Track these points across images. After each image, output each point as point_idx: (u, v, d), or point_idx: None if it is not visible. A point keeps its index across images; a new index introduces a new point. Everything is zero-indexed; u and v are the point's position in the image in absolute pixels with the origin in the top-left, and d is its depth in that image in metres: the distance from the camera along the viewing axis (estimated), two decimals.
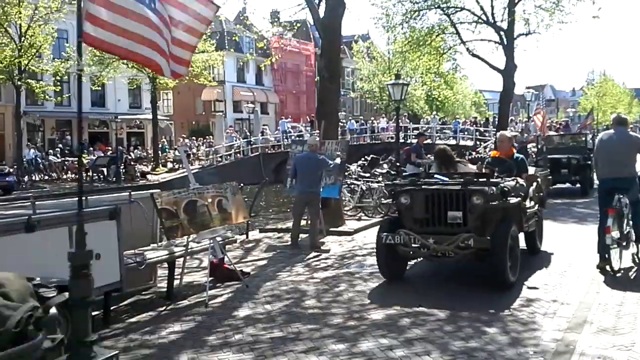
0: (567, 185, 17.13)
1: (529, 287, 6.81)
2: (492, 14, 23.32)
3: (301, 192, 10.07)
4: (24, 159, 29.20)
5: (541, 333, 5.27)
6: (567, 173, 16.38)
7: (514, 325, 5.53)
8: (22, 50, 26.79)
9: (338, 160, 10.51)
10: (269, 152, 35.23)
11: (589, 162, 15.92)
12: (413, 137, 36.36)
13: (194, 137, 38.52)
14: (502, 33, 23.21)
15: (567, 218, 12.01)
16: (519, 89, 45.39)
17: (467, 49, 24.34)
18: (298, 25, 18.39)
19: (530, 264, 8.04)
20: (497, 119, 29.05)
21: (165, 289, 7.46)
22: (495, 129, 27.12)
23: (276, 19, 24.78)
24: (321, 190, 10.29)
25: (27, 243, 5.15)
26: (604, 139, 7.80)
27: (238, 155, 34.41)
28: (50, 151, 32.75)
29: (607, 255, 7.24)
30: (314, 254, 9.54)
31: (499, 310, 6.00)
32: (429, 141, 27.15)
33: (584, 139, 19.19)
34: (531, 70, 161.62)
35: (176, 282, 7.58)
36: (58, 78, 30.84)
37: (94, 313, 6.20)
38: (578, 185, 16.79)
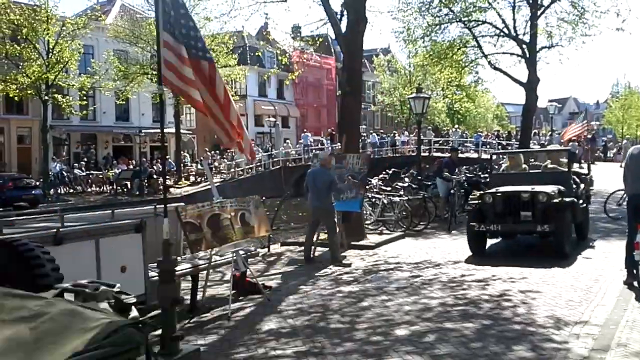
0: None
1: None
2: (514, 27, 23.22)
3: (312, 207, 10.15)
4: (50, 173, 29.70)
5: (567, 352, 5.19)
6: (530, 218, 9.48)
7: (540, 343, 5.44)
8: (50, 66, 27.35)
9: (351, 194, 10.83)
10: (290, 165, 35.36)
11: (575, 200, 10.18)
12: (435, 150, 36.33)
13: (217, 151, 38.84)
14: (524, 46, 23.06)
15: (591, 233, 11.81)
16: (541, 102, 45.01)
17: (489, 62, 24.25)
18: (320, 40, 18.47)
19: (554, 280, 7.94)
20: (519, 133, 28.82)
21: (188, 302, 7.50)
22: (518, 142, 26.92)
23: (298, 34, 24.93)
24: (333, 204, 10.28)
25: (55, 255, 5.23)
26: (635, 154, 7.62)
27: (259, 168, 34.59)
28: (75, 165, 33.26)
29: (635, 271, 7.12)
30: (334, 268, 9.53)
31: (525, 327, 5.93)
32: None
33: (565, 160, 11.63)
34: (554, 83, 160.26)
35: (199, 295, 7.63)
36: (83, 93, 31.40)
37: None
38: (551, 237, 9.66)
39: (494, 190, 10.16)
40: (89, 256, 5.55)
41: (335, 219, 10.38)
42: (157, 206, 7.23)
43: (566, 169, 11.10)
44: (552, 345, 5.38)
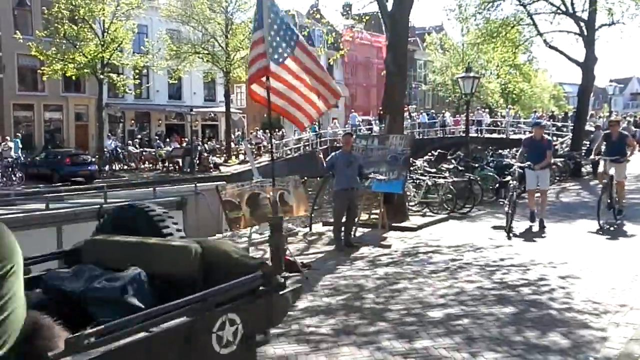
0: None
1: None
2: (572, 3, 22.35)
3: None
4: (105, 149, 30.73)
5: (604, 340, 5.07)
6: None
7: (577, 329, 5.35)
8: (105, 45, 28.15)
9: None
10: (337, 145, 35.31)
11: None
12: (486, 131, 35.54)
13: (267, 130, 39.22)
14: (582, 24, 22.18)
15: None
16: (603, 82, 43.33)
17: (545, 41, 23.45)
18: (367, 18, 18.28)
19: (597, 266, 7.73)
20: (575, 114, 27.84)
21: None
22: (572, 124, 26.07)
23: (348, 12, 24.75)
24: (338, 187, 9.66)
25: None
26: None
27: (307, 148, 34.74)
28: (129, 142, 34.28)
29: None
30: (374, 249, 9.55)
31: (562, 313, 5.83)
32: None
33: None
34: (617, 62, 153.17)
35: None
36: (137, 72, 32.18)
37: None
38: None
39: None
40: None
41: (335, 202, 9.83)
42: (198, 184, 7.42)
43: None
44: (589, 332, 5.27)
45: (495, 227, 10.83)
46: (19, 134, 30.97)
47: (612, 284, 6.86)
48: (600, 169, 11.45)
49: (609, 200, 10.64)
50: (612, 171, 10.76)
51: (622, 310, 5.86)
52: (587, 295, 6.41)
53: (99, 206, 5.54)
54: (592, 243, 9.27)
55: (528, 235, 10.13)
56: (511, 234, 10.03)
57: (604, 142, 11.29)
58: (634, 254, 8.47)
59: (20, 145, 29.32)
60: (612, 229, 10.38)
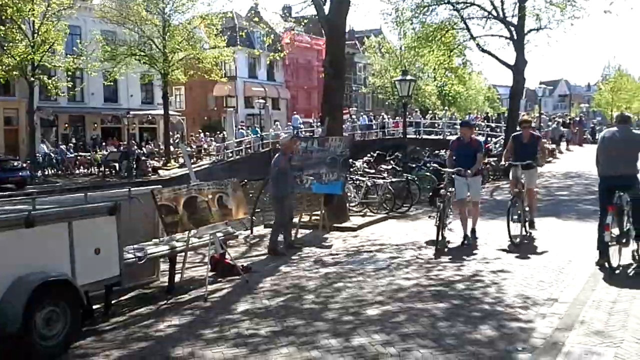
0: None
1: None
2: (502, 9, 23.14)
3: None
4: (38, 154, 29.54)
5: (532, 331, 5.30)
6: None
7: (506, 322, 5.56)
8: (35, 47, 27.05)
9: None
10: (279, 147, 35.30)
11: None
12: (424, 132, 36.34)
13: (207, 133, 38.76)
14: (512, 28, 23.03)
15: (571, 215, 11.93)
16: (533, 84, 45.08)
17: (478, 45, 24.19)
18: (306, 21, 18.38)
19: (527, 261, 8.06)
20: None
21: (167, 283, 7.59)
22: (505, 125, 27.01)
23: (287, 14, 24.76)
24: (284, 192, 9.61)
25: (27, 238, 5.27)
26: (607, 137, 7.78)
27: (249, 150, 34.55)
28: (64, 146, 33.11)
29: (606, 253, 7.24)
30: (316, 249, 9.61)
31: (494, 307, 6.04)
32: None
33: None
34: (547, 65, 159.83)
35: (178, 276, 7.71)
36: (70, 74, 31.12)
37: (95, 306, 6.37)
38: None
39: None
40: (61, 238, 5.59)
41: (281, 208, 9.62)
42: (133, 189, 7.27)
43: None
44: (517, 324, 5.49)
45: (427, 243, 9.58)
46: None
47: (540, 277, 7.17)
48: (511, 176, 9.85)
49: (519, 212, 9.06)
50: (522, 178, 9.49)
51: (548, 302, 6.13)
52: (518, 289, 6.67)
53: (26, 213, 5.35)
54: (527, 239, 9.58)
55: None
56: (445, 249, 8.94)
57: (514, 145, 9.80)
58: (559, 249, 8.83)
59: None
60: (524, 242, 9.07)
